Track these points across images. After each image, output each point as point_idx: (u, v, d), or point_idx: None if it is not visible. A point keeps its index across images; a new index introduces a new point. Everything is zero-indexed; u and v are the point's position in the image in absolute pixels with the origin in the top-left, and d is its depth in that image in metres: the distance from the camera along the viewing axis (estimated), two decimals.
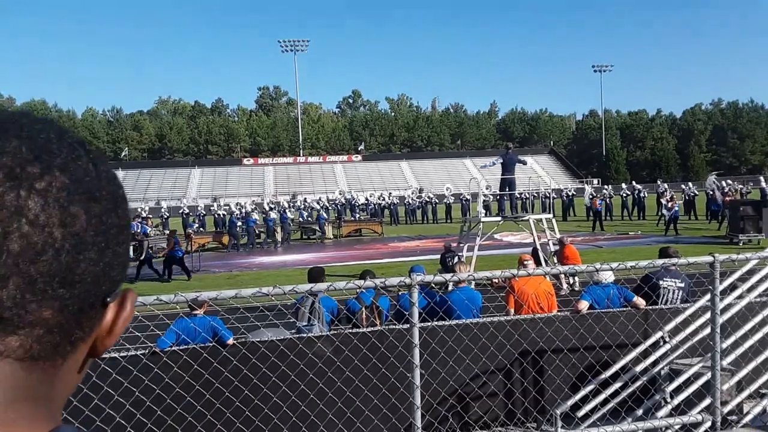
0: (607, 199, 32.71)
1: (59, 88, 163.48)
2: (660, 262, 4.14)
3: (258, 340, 4.81)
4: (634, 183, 34.29)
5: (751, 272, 5.05)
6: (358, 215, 36.87)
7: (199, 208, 37.24)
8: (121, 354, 4.52)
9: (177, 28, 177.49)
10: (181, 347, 4.74)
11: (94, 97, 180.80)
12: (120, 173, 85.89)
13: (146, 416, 4.28)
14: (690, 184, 31.92)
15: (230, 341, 4.94)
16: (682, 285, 6.32)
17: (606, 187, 37.01)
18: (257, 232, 27.22)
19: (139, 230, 23.96)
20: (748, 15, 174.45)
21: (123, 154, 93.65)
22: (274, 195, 74.03)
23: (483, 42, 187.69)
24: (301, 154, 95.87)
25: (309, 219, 33.75)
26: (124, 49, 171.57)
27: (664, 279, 6.28)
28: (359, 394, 4.55)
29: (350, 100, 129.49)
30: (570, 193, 37.17)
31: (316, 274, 6.78)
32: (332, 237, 29.43)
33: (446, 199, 40.38)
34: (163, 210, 36.70)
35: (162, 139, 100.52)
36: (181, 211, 35.89)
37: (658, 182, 33.63)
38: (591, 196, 30.73)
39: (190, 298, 3.31)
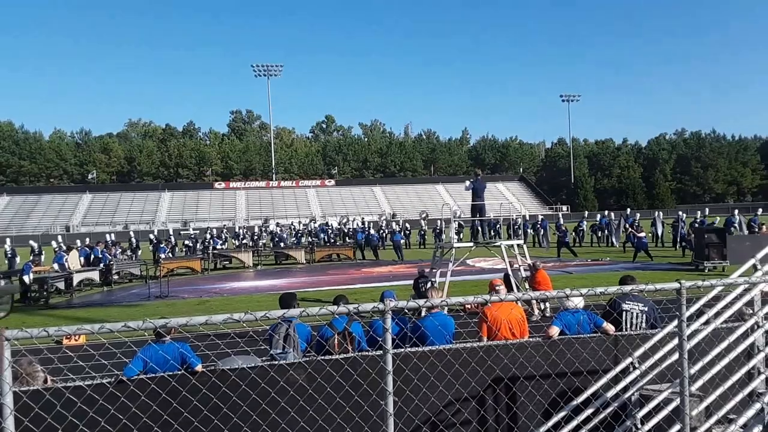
0: (577, 228, 33.65)
1: (26, 110, 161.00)
2: (628, 288, 4.22)
3: (228, 367, 4.72)
4: (612, 214, 35.09)
5: (716, 298, 5.16)
6: (333, 239, 36.78)
7: (171, 233, 36.66)
8: (87, 383, 4.38)
9: (148, 50, 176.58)
10: (148, 375, 4.62)
11: (62, 118, 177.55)
12: (87, 196, 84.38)
13: None
14: (660, 214, 33.05)
15: (199, 368, 4.84)
16: (645, 308, 6.43)
17: (563, 214, 37.62)
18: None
19: (99, 256, 23.45)
20: (710, 48, 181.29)
21: (90, 176, 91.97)
22: (246, 219, 73.38)
23: (455, 70, 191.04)
24: (274, 179, 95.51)
25: (283, 243, 33.55)
26: (94, 70, 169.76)
27: (626, 302, 6.40)
28: (332, 422, 4.48)
29: (323, 125, 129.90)
30: (542, 221, 37.65)
31: (287, 300, 6.71)
32: (304, 262, 29.26)
33: (422, 225, 40.20)
34: (132, 235, 35.96)
35: (131, 162, 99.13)
36: (152, 237, 35.25)
37: (628, 210, 34.63)
38: (557, 225, 31.44)
39: (158, 324, 3.24)
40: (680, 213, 30.93)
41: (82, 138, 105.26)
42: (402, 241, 33.02)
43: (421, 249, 35.77)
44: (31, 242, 29.14)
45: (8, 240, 30.85)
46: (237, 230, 42.21)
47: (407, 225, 42.50)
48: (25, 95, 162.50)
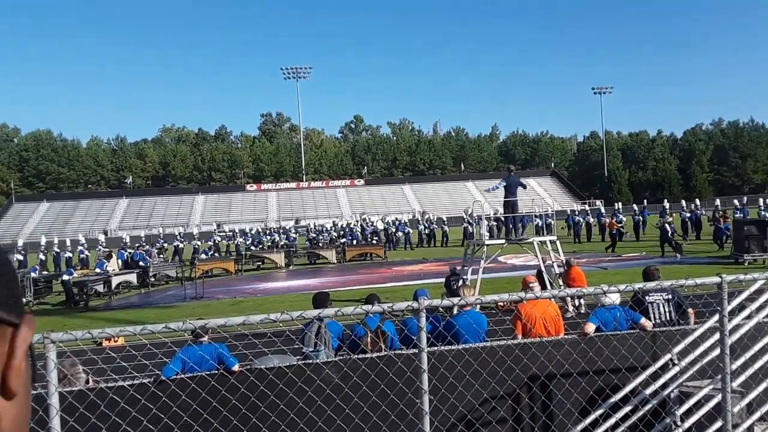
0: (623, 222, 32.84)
1: (64, 118, 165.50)
2: (668, 283, 4.14)
3: (265, 366, 4.79)
4: (635, 206, 34.36)
5: (759, 292, 5.02)
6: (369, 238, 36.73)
7: (196, 236, 37.47)
8: (128, 383, 4.50)
9: (180, 57, 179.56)
10: (188, 375, 4.71)
11: (99, 126, 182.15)
12: (124, 201, 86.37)
13: None
14: (693, 204, 32.10)
15: (236, 368, 4.92)
16: (669, 296, 6.31)
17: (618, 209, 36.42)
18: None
19: (138, 259, 24.01)
20: (747, 35, 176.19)
21: (127, 181, 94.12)
22: (278, 220, 74.13)
23: (483, 65, 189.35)
24: (304, 180, 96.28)
25: (315, 243, 33.90)
26: (128, 77, 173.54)
27: (650, 294, 6.29)
28: (368, 420, 4.51)
29: (352, 125, 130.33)
30: (578, 217, 36.94)
31: (321, 299, 6.77)
32: (335, 262, 29.42)
33: (465, 222, 39.75)
34: (171, 237, 36.86)
35: (166, 167, 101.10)
36: (192, 242, 36.14)
37: (666, 203, 33.82)
38: (605, 217, 30.86)
39: (198, 325, 3.32)
40: (688, 203, 30.12)
41: (118, 144, 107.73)
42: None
43: (462, 247, 35.51)
44: (80, 248, 30.63)
45: (55, 238, 32.14)
46: (268, 230, 42.90)
47: (439, 218, 42.85)
48: (63, 104, 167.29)
